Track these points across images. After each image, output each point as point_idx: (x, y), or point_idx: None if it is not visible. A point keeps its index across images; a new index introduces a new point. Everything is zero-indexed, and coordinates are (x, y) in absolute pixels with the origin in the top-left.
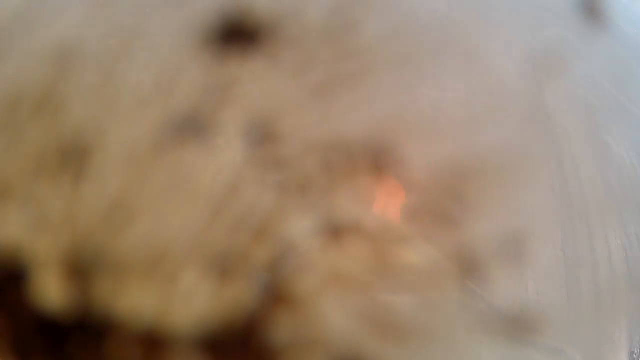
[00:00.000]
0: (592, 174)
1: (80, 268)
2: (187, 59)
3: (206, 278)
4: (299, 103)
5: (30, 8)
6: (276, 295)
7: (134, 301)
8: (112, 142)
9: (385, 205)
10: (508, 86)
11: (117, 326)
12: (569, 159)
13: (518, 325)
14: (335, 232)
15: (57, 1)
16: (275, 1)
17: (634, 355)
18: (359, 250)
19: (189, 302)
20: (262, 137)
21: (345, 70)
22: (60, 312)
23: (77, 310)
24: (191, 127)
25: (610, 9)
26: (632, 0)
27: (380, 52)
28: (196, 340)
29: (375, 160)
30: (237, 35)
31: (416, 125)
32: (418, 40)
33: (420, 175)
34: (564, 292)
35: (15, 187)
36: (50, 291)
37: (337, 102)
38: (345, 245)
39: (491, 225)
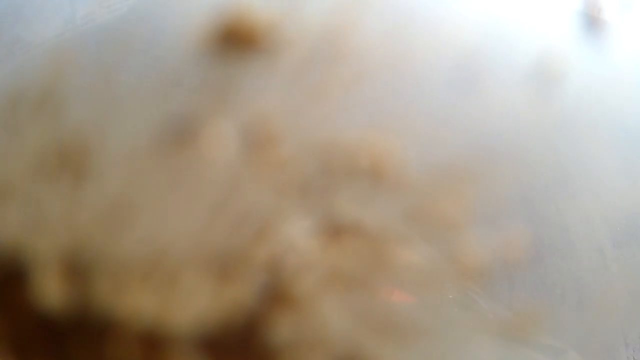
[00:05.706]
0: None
1: (80, 268)
2: (187, 60)
3: (206, 278)
4: (298, 104)
5: (31, 7)
6: (276, 295)
7: (134, 301)
8: (112, 142)
9: (385, 205)
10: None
11: (116, 326)
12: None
13: (518, 326)
14: (335, 232)
15: (57, 1)
16: (274, 3)
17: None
18: (358, 250)
19: (189, 302)
20: (262, 137)
21: (344, 71)
22: (60, 312)
23: (77, 310)
24: (191, 127)
25: None
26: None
27: (379, 53)
28: (196, 340)
29: (375, 160)
30: (235, 38)
31: (416, 126)
32: (416, 42)
33: (419, 176)
34: (564, 293)
35: (15, 187)
36: (50, 291)
37: (335, 103)
38: (345, 245)
39: (490, 227)
